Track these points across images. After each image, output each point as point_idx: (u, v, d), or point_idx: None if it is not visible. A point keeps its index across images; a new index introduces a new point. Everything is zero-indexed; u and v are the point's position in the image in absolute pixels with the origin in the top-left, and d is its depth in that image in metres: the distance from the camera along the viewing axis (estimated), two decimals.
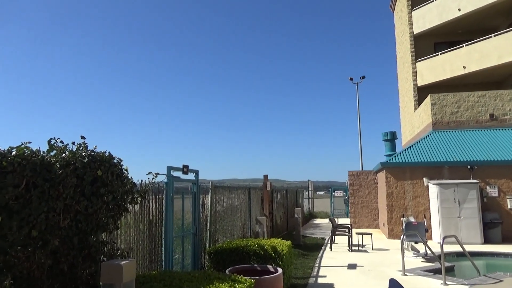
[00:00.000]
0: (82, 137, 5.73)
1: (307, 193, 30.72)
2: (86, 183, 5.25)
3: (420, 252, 13.31)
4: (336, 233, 15.24)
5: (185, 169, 8.23)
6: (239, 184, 14.06)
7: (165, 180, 7.66)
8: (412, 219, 15.31)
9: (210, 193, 9.67)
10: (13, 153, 4.52)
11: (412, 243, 13.33)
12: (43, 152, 5.06)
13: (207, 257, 8.80)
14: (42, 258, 4.63)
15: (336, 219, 17.36)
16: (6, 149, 4.50)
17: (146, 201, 7.00)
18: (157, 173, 7.25)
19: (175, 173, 7.88)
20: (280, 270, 7.03)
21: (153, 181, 7.21)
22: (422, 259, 12.35)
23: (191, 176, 8.68)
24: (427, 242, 12.88)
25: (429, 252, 12.84)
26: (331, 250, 14.65)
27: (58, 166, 4.99)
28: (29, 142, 4.97)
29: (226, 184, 11.64)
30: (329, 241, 16.02)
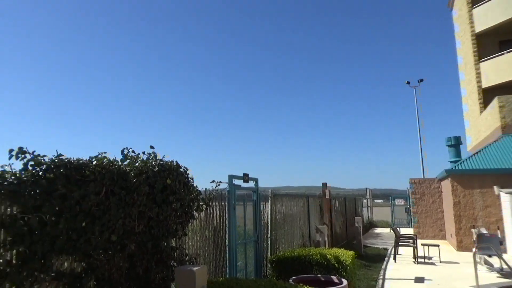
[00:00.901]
0: (151, 147, 6.04)
1: (365, 201, 29.73)
2: (157, 191, 5.51)
3: (495, 266, 12.30)
4: (400, 243, 14.56)
5: (246, 178, 8.35)
6: (293, 191, 13.97)
7: (227, 188, 7.82)
8: (484, 231, 14.22)
9: (269, 201, 9.71)
10: (94, 162, 4.87)
11: (486, 257, 12.36)
12: (118, 161, 5.40)
13: (269, 265, 8.81)
14: (121, 262, 4.91)
15: (398, 229, 16.60)
16: (87, 159, 4.87)
17: (211, 208, 7.18)
18: (220, 182, 7.43)
19: (236, 181, 8.03)
20: (345, 282, 6.84)
21: (216, 189, 7.40)
22: (497, 274, 11.39)
23: (251, 184, 8.79)
24: (502, 255, 11.90)
25: (505, 266, 11.81)
26: (395, 261, 14.00)
27: (133, 175, 5.30)
28: (105, 152, 5.34)
29: (281, 191, 11.63)
30: (393, 252, 15.33)
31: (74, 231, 4.43)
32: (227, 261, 7.37)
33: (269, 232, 9.59)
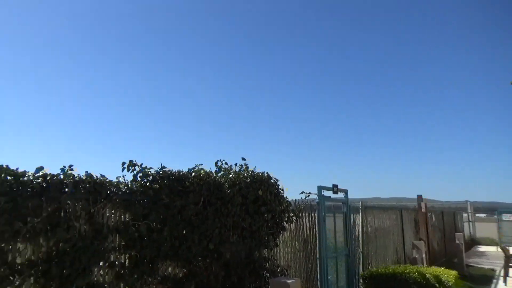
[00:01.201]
0: (243, 159, 6.22)
1: (466, 215, 27.00)
2: (250, 202, 5.65)
3: None
4: (511, 264, 12.87)
5: (335, 189, 8.15)
6: (383, 203, 13.24)
7: (316, 199, 7.70)
8: None
9: (360, 213, 9.33)
10: (192, 174, 5.18)
11: None
12: (213, 172, 5.67)
13: (361, 281, 8.42)
14: (218, 269, 5.11)
15: (507, 248, 14.72)
16: (186, 171, 5.20)
17: (300, 220, 7.14)
18: (309, 193, 7.36)
19: (325, 193, 7.87)
20: None
21: (305, 200, 7.34)
22: None
23: (340, 195, 8.54)
24: None
25: None
26: (505, 284, 12.40)
27: (227, 186, 5.51)
28: (201, 164, 5.63)
29: (369, 203, 11.09)
30: (502, 274, 13.61)
31: (177, 239, 4.73)
32: (318, 275, 7.21)
33: (361, 246, 9.19)
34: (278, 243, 6.27)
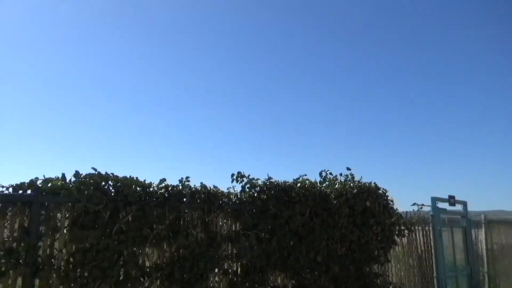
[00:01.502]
0: (348, 168, 6.01)
1: None
2: (357, 213, 5.41)
3: None
4: None
5: (452, 200, 7.39)
6: (509, 216, 11.52)
7: (430, 211, 7.08)
8: None
9: (483, 228, 8.29)
10: (298, 185, 5.17)
11: None
12: (318, 183, 5.58)
13: None
14: (326, 283, 4.98)
15: None
16: (291, 182, 5.22)
17: (413, 234, 6.62)
18: (422, 205, 6.80)
19: (440, 204, 7.19)
20: None
21: (418, 212, 6.80)
22: None
23: (458, 207, 7.72)
24: None
25: None
26: None
27: (333, 196, 5.38)
28: (305, 175, 5.60)
29: (491, 216, 9.76)
30: None
31: (285, 249, 4.75)
32: None
33: (485, 265, 8.14)
34: (389, 258, 5.88)
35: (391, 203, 6.01)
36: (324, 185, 5.67)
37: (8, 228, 3.24)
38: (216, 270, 4.28)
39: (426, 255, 6.73)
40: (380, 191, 5.87)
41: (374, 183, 5.86)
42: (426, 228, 6.89)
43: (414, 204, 6.63)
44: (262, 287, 4.53)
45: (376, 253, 5.59)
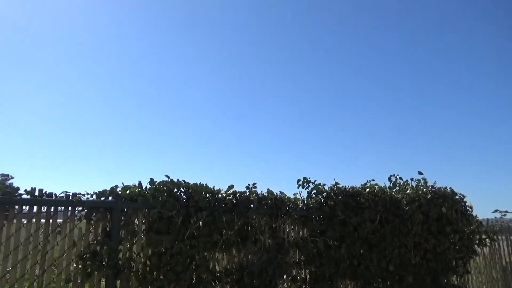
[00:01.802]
0: (420, 173, 5.66)
1: None
2: (432, 220, 5.08)
3: None
4: None
5: None
6: None
7: None
8: None
9: None
10: (366, 190, 4.98)
11: None
12: (387, 188, 5.33)
13: None
14: None
15: None
16: (359, 187, 5.03)
17: (496, 243, 6.06)
18: (506, 211, 6.21)
19: None
20: None
21: (501, 220, 6.22)
22: None
23: None
24: None
25: None
26: None
27: (405, 202, 5.10)
28: (373, 180, 5.37)
29: None
30: None
31: (354, 257, 4.59)
32: None
33: None
34: (469, 269, 5.44)
35: (469, 209, 5.56)
36: (394, 190, 5.41)
37: (93, 232, 3.49)
38: (285, 276, 4.25)
39: None
40: (457, 197, 5.46)
41: (450, 188, 5.47)
42: (511, 237, 6.28)
43: (496, 210, 6.08)
44: None
45: (454, 263, 5.20)
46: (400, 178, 5.57)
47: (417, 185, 5.46)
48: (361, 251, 4.68)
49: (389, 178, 5.57)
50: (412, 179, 5.56)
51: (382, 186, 5.20)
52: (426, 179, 5.53)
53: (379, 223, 4.83)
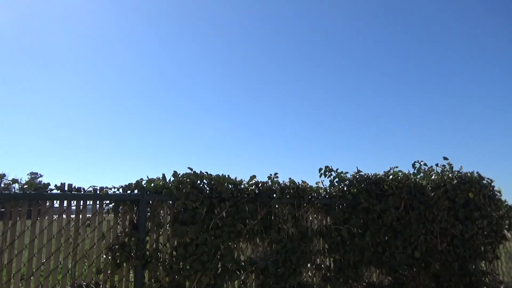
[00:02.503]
0: (445, 158, 5.54)
1: None
2: (459, 206, 4.97)
3: None
4: None
5: None
6: None
7: None
8: None
9: None
10: (390, 177, 4.92)
11: None
12: (411, 175, 5.24)
13: None
14: (426, 280, 4.68)
15: None
16: (383, 174, 4.97)
17: None
18: None
19: None
20: None
21: None
22: None
23: None
24: None
25: None
26: None
27: (430, 188, 5.01)
28: (396, 167, 5.28)
29: None
30: None
31: (379, 244, 4.56)
32: None
33: None
34: (498, 255, 5.31)
35: (498, 194, 5.42)
36: (418, 176, 5.31)
37: (121, 224, 3.59)
38: (309, 265, 4.27)
39: None
40: (485, 181, 5.31)
41: (477, 172, 5.33)
42: None
43: None
44: (356, 283, 4.41)
45: (482, 249, 5.09)
46: (425, 164, 5.46)
47: (442, 171, 5.34)
48: (386, 238, 4.65)
49: (413, 165, 5.47)
50: (437, 165, 5.44)
51: (406, 173, 5.12)
52: (451, 164, 5.40)
53: (404, 210, 4.77)
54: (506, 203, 5.50)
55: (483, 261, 5.16)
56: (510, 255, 5.63)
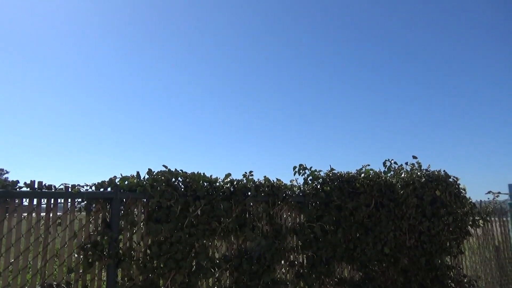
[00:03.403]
0: (414, 157, 5.74)
1: None
2: (426, 203, 5.17)
3: None
4: None
5: None
6: None
7: (509, 200, 6.57)
8: None
9: None
10: (362, 175, 5.05)
11: None
12: (382, 173, 5.40)
13: None
14: (395, 275, 4.85)
15: None
16: (355, 172, 5.11)
17: (489, 224, 6.19)
18: (499, 193, 6.32)
19: None
20: None
21: (494, 201, 6.33)
22: None
23: None
24: None
25: None
26: None
27: (399, 186, 5.19)
28: (368, 165, 5.43)
29: None
30: None
31: (351, 241, 4.68)
32: None
33: None
34: (462, 250, 5.56)
35: (463, 191, 5.66)
36: (389, 175, 5.48)
37: (93, 222, 3.54)
38: (283, 262, 4.34)
39: (505, 247, 6.27)
40: (451, 179, 5.54)
41: (444, 171, 5.55)
42: (504, 218, 6.41)
43: (489, 192, 6.19)
44: (328, 279, 4.52)
45: (448, 244, 5.31)
46: (395, 163, 5.64)
47: (411, 169, 5.53)
48: (357, 235, 4.78)
49: (384, 163, 5.64)
50: (406, 163, 5.62)
51: (377, 171, 5.28)
52: (420, 163, 5.60)
53: (374, 207, 4.91)
54: (470, 200, 5.76)
55: (449, 256, 5.38)
56: (473, 250, 5.90)
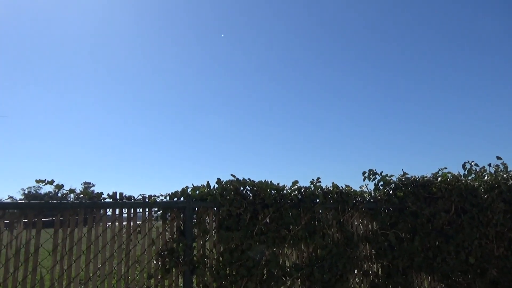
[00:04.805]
0: (498, 158, 5.23)
1: None
2: None
3: None
4: None
5: None
6: None
7: None
8: None
9: None
10: (438, 179, 4.73)
11: None
12: (461, 176, 5.00)
13: None
14: (483, 287, 4.43)
15: None
16: (431, 176, 4.79)
17: None
18: None
19: None
20: None
21: None
22: None
23: None
24: None
25: None
26: None
27: (482, 190, 4.76)
28: (445, 168, 5.06)
29: None
30: None
31: (429, 250, 4.38)
32: None
33: None
34: None
35: None
36: (469, 178, 5.06)
37: (169, 230, 3.72)
38: (356, 271, 4.18)
39: None
40: None
41: None
42: None
43: None
44: None
45: None
46: (476, 165, 5.18)
47: (495, 171, 5.05)
48: (437, 243, 4.46)
49: (463, 165, 5.21)
50: (489, 165, 5.15)
51: (456, 174, 4.90)
52: (506, 164, 5.10)
53: (455, 213, 4.56)
54: None
55: None
56: None
